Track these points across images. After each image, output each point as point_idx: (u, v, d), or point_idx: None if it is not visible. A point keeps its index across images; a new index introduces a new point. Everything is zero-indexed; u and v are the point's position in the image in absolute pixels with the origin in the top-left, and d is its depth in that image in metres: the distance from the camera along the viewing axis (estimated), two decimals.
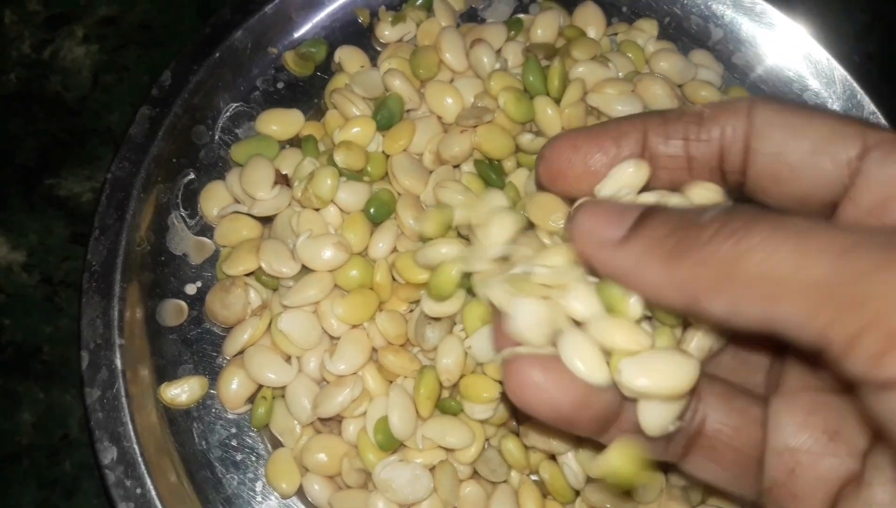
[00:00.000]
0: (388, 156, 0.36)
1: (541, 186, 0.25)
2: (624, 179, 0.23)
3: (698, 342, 0.23)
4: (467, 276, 0.25)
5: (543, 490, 0.32)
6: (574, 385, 0.21)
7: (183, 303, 0.35)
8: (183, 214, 0.36)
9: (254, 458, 0.33)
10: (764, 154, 0.22)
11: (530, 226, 0.26)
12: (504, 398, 0.31)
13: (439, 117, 0.37)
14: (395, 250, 0.34)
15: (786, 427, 0.21)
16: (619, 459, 0.21)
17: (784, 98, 0.41)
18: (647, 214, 0.20)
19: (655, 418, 0.21)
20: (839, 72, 0.40)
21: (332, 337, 0.33)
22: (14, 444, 0.36)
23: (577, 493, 0.32)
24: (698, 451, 0.23)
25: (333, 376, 0.32)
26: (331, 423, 0.33)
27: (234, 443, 0.33)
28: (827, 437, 0.21)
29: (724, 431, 0.23)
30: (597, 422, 0.22)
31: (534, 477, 0.33)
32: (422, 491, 0.31)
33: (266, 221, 0.36)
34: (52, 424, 0.36)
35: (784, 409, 0.21)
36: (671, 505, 0.32)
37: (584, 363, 0.21)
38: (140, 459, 0.32)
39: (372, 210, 0.34)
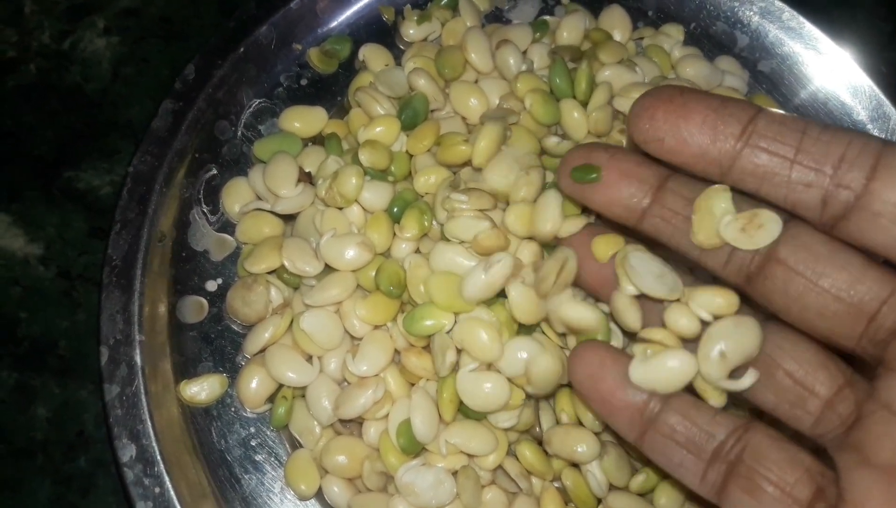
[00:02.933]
0: (411, 156, 0.36)
1: (633, 145, 0.25)
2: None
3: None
4: None
5: (565, 497, 0.32)
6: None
7: (203, 300, 0.35)
8: (205, 209, 0.36)
9: (273, 458, 0.33)
10: (884, 202, 0.21)
11: None
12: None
13: (464, 118, 0.37)
14: (417, 250, 0.34)
15: (880, 501, 0.20)
16: None
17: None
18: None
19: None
20: (866, 82, 0.40)
21: (353, 338, 0.33)
22: (29, 439, 0.36)
23: (600, 501, 0.32)
24: (737, 483, 0.23)
25: (355, 377, 0.32)
26: (351, 425, 0.33)
27: (253, 443, 0.33)
28: None
29: (766, 469, 0.22)
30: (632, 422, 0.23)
31: (556, 484, 0.32)
32: (445, 496, 0.30)
33: (287, 218, 0.35)
34: (67, 420, 0.36)
35: (876, 479, 0.20)
36: None
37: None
38: (159, 457, 0.31)
39: (395, 209, 0.34)
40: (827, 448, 0.23)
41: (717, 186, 0.24)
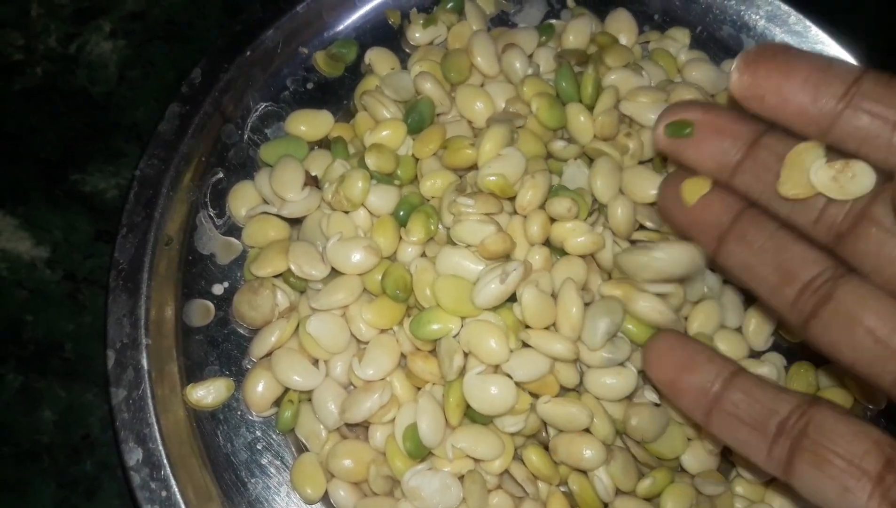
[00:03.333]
0: (417, 159, 0.36)
1: (733, 102, 0.25)
2: None
3: None
4: None
5: (572, 502, 0.32)
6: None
7: (210, 303, 0.35)
8: (211, 213, 0.36)
9: (279, 462, 0.33)
10: None
11: None
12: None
13: (470, 122, 0.37)
14: (423, 254, 0.34)
15: None
16: None
17: None
18: None
19: None
20: None
21: (360, 341, 0.33)
22: (34, 442, 0.36)
23: (606, 505, 0.32)
24: (802, 457, 0.22)
25: (361, 381, 0.32)
26: (357, 429, 0.33)
27: (259, 446, 0.33)
28: None
29: (832, 441, 0.22)
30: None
31: (563, 489, 0.32)
32: (451, 501, 0.30)
33: (294, 222, 0.35)
34: (73, 423, 0.36)
35: None
36: None
37: None
38: (165, 461, 0.31)
39: (401, 213, 0.34)
40: None
41: (810, 141, 0.24)
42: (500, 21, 0.41)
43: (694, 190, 0.28)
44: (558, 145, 0.35)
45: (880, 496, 0.21)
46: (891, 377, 0.23)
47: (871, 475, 0.21)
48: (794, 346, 0.35)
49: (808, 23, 0.41)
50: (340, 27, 0.40)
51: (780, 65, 0.23)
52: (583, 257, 0.33)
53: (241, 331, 0.34)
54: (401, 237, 0.34)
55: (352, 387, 0.33)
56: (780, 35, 0.41)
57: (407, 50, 0.40)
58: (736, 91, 0.24)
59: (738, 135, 0.25)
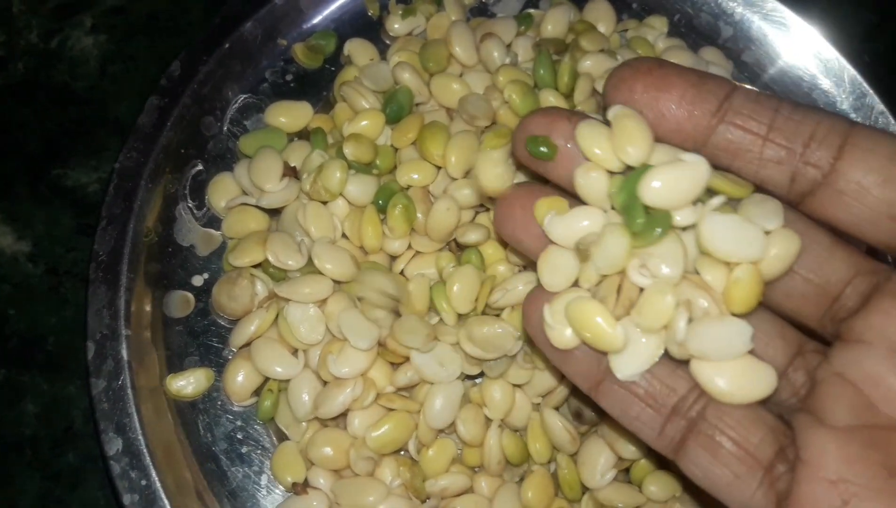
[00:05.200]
0: (396, 149, 0.36)
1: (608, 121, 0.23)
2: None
3: None
4: None
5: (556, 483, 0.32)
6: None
7: (190, 295, 0.35)
8: (191, 205, 0.36)
9: (259, 451, 0.33)
10: (847, 181, 0.21)
11: None
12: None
13: (448, 110, 0.37)
14: (409, 247, 0.34)
15: (836, 457, 0.20)
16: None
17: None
18: None
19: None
20: (849, 71, 0.40)
21: (336, 337, 0.33)
22: (18, 435, 0.36)
23: (586, 490, 0.32)
24: (696, 440, 0.22)
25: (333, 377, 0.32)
26: (337, 416, 0.33)
27: (239, 436, 0.33)
28: (887, 474, 0.20)
29: (729, 427, 0.22)
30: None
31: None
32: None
33: (274, 213, 0.36)
34: (56, 415, 0.36)
35: (831, 438, 0.21)
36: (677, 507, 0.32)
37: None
38: (145, 450, 0.31)
39: (380, 201, 0.34)
40: (783, 413, 0.23)
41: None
42: (480, 11, 0.42)
43: (547, 210, 0.24)
44: None
45: (768, 485, 0.21)
46: None
47: (763, 463, 0.21)
48: None
49: (785, 9, 0.41)
50: (319, 19, 0.40)
51: (657, 80, 0.22)
52: None
53: (221, 322, 0.35)
54: (384, 234, 0.34)
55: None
56: (757, 22, 0.41)
57: (386, 41, 0.40)
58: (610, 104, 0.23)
59: None
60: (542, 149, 0.24)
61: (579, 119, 0.23)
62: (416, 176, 0.35)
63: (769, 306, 0.23)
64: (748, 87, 0.24)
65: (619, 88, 0.23)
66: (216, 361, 0.34)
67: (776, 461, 0.21)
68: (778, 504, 0.21)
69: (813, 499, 0.20)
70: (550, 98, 0.35)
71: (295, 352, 0.33)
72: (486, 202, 0.34)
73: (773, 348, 0.23)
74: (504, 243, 0.33)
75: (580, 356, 0.23)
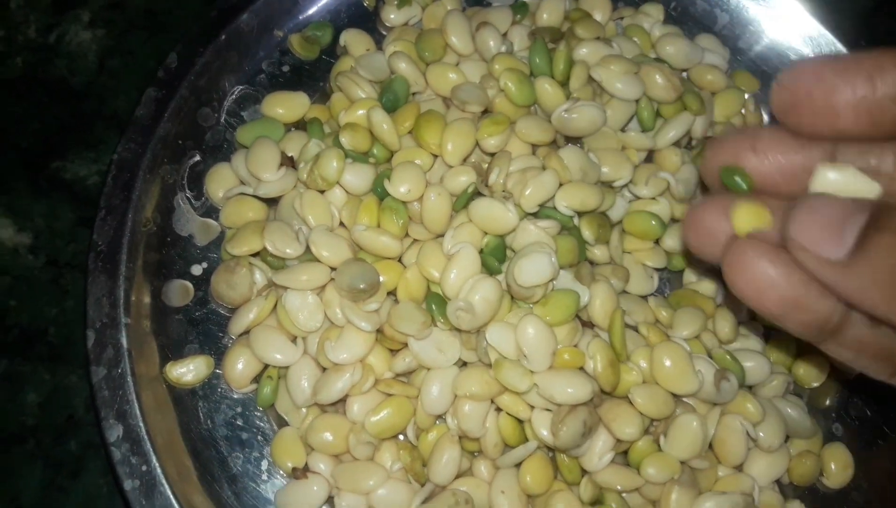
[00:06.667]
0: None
1: (774, 117, 0.23)
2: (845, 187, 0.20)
3: None
4: None
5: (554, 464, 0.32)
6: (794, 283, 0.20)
7: (189, 284, 0.35)
8: (189, 195, 0.36)
9: (259, 437, 0.33)
10: None
11: None
12: None
13: (444, 99, 0.37)
14: (406, 235, 0.34)
15: None
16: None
17: None
18: (872, 228, 0.18)
19: None
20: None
21: (334, 324, 0.33)
22: (20, 425, 0.36)
23: (585, 473, 0.32)
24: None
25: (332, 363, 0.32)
26: (336, 402, 0.33)
27: (239, 422, 0.33)
28: None
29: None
30: (810, 328, 0.21)
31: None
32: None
33: (271, 203, 0.36)
34: (57, 405, 0.36)
35: None
36: (676, 489, 0.32)
37: None
38: (146, 436, 0.32)
39: (379, 189, 0.34)
40: None
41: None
42: (475, 0, 0.42)
43: (748, 219, 0.22)
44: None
45: None
46: None
47: None
48: None
49: None
50: (315, 9, 0.40)
51: (815, 69, 0.21)
52: None
53: (220, 310, 0.35)
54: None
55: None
56: (752, 9, 0.41)
57: (382, 31, 0.40)
58: (777, 109, 0.22)
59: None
60: (736, 179, 0.23)
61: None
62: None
63: None
64: None
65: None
66: (216, 349, 0.34)
67: None
68: None
69: None
70: (546, 86, 0.36)
71: (294, 339, 0.33)
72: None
73: None
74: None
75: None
